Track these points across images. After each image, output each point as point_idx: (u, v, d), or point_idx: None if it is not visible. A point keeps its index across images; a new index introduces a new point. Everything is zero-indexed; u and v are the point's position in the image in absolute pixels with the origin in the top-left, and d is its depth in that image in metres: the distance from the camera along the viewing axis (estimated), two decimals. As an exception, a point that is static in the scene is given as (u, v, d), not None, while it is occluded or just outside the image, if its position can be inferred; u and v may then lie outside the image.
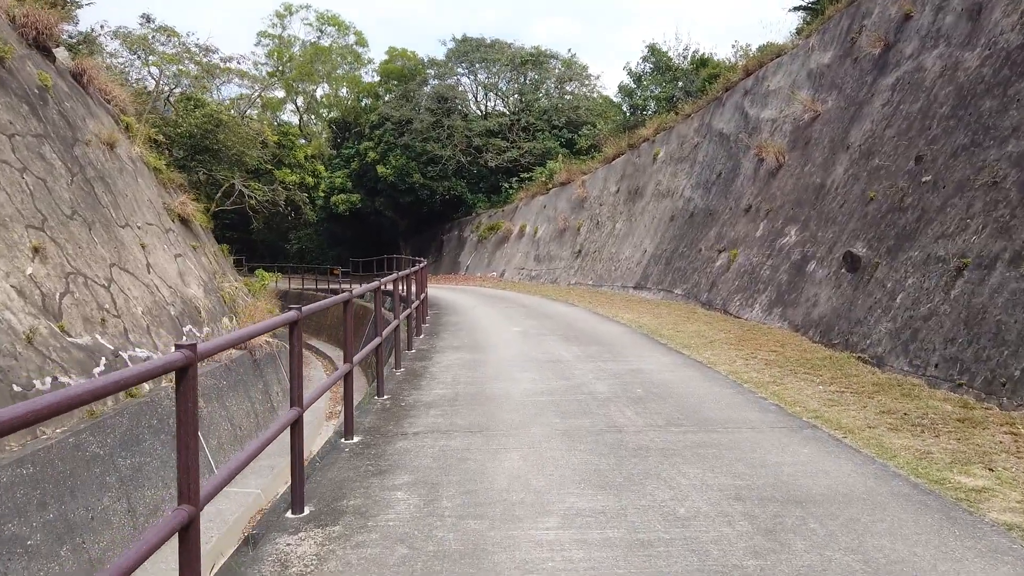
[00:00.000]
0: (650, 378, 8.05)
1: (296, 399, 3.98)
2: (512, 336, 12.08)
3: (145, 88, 26.44)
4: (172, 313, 11.35)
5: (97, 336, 9.21)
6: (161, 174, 14.45)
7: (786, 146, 15.42)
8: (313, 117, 55.79)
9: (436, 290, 24.02)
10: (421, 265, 13.77)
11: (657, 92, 27.82)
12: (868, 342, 8.67)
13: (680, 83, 26.66)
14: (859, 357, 8.58)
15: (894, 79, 12.06)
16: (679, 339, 11.06)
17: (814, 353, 9.16)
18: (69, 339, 8.58)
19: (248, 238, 46.15)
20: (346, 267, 37.20)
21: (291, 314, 3.88)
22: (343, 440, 5.61)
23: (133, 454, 8.17)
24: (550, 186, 31.99)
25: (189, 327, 11.67)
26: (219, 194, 27.95)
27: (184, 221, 14.34)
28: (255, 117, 41.67)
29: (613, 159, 26.97)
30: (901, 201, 9.85)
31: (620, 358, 9.51)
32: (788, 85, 16.59)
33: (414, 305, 11.67)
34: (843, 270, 10.48)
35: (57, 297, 8.83)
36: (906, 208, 9.65)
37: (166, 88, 28.58)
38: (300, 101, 54.50)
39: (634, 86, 29.30)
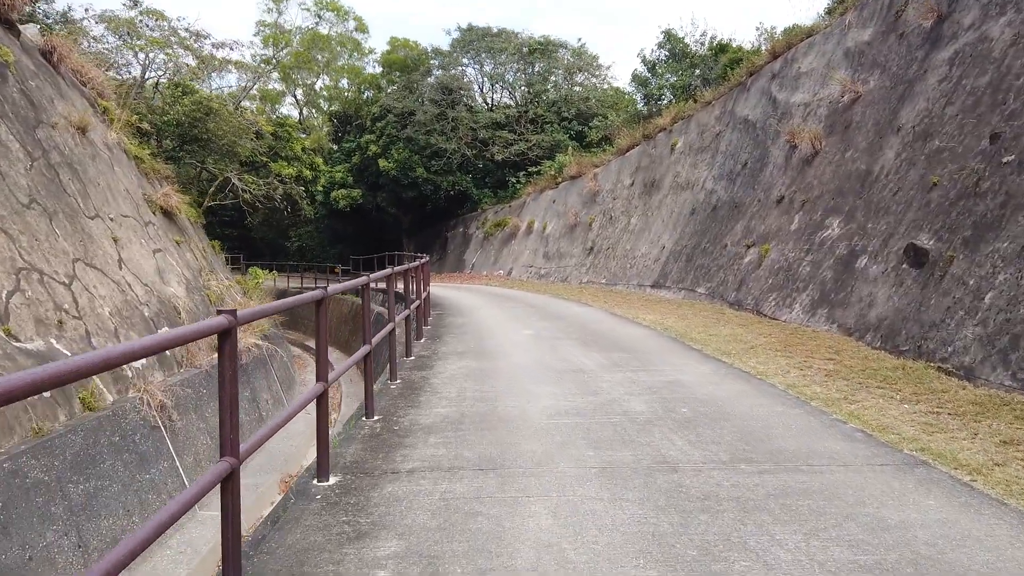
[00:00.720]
0: (693, 393, 6.74)
1: (229, 446, 2.69)
2: (524, 339, 10.79)
3: (132, 75, 25.16)
4: (146, 314, 10.14)
5: (52, 340, 7.97)
6: (143, 163, 13.24)
7: (822, 131, 14.08)
8: (313, 110, 54.37)
9: (440, 289, 22.76)
10: (422, 260, 12.47)
11: (673, 80, 26.40)
12: (950, 350, 7.33)
13: (698, 70, 25.26)
14: (939, 367, 7.24)
15: (951, 52, 10.76)
16: (714, 344, 9.74)
17: (880, 362, 7.83)
18: (16, 344, 7.35)
19: (247, 235, 44.88)
20: (347, 265, 35.86)
21: (219, 320, 2.60)
22: (315, 481, 4.28)
23: (88, 478, 6.96)
24: (559, 180, 30.60)
25: (165, 329, 10.46)
26: (213, 188, 26.60)
27: (168, 214, 13.12)
28: (253, 109, 40.33)
29: (627, 151, 25.59)
30: (976, 185, 8.52)
31: (651, 367, 8.21)
32: (822, 66, 15.24)
33: (414, 305, 10.39)
34: (905, 265, 9.14)
35: (4, 296, 7.60)
36: (983, 193, 8.32)
37: (155, 75, 27.28)
38: (299, 93, 53.11)
39: (648, 74, 27.85)
